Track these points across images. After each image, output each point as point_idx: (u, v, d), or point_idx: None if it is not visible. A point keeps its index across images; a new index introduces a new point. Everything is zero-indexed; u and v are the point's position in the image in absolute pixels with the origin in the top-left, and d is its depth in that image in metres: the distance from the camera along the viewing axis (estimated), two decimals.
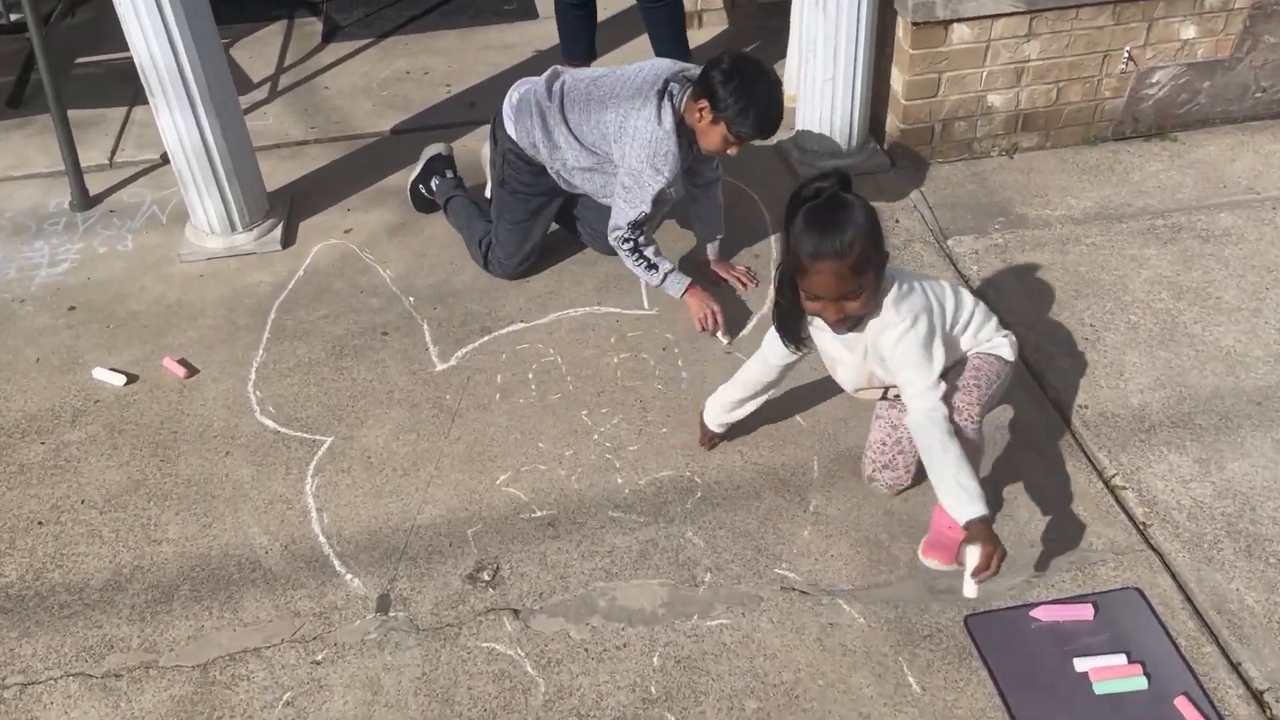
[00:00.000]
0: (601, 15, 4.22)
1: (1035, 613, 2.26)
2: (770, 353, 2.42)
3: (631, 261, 3.00)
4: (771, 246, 3.37)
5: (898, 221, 3.43)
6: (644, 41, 4.18)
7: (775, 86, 2.79)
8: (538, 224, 3.19)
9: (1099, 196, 3.50)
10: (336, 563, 2.43)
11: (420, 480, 2.63)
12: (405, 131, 4.06)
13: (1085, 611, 2.25)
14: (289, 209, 3.61)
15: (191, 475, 2.68)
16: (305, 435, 2.77)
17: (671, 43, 3.83)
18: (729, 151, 2.85)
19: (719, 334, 3.01)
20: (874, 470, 2.48)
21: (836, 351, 2.32)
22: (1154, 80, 3.59)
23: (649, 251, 2.99)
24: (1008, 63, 3.49)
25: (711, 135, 2.81)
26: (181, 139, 3.22)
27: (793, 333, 2.29)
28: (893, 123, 3.64)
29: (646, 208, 2.89)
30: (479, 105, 4.13)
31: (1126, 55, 3.52)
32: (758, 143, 2.89)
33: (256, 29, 4.85)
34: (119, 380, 2.96)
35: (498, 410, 2.82)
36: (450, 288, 3.27)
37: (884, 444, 2.44)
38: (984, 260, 3.23)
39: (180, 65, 3.07)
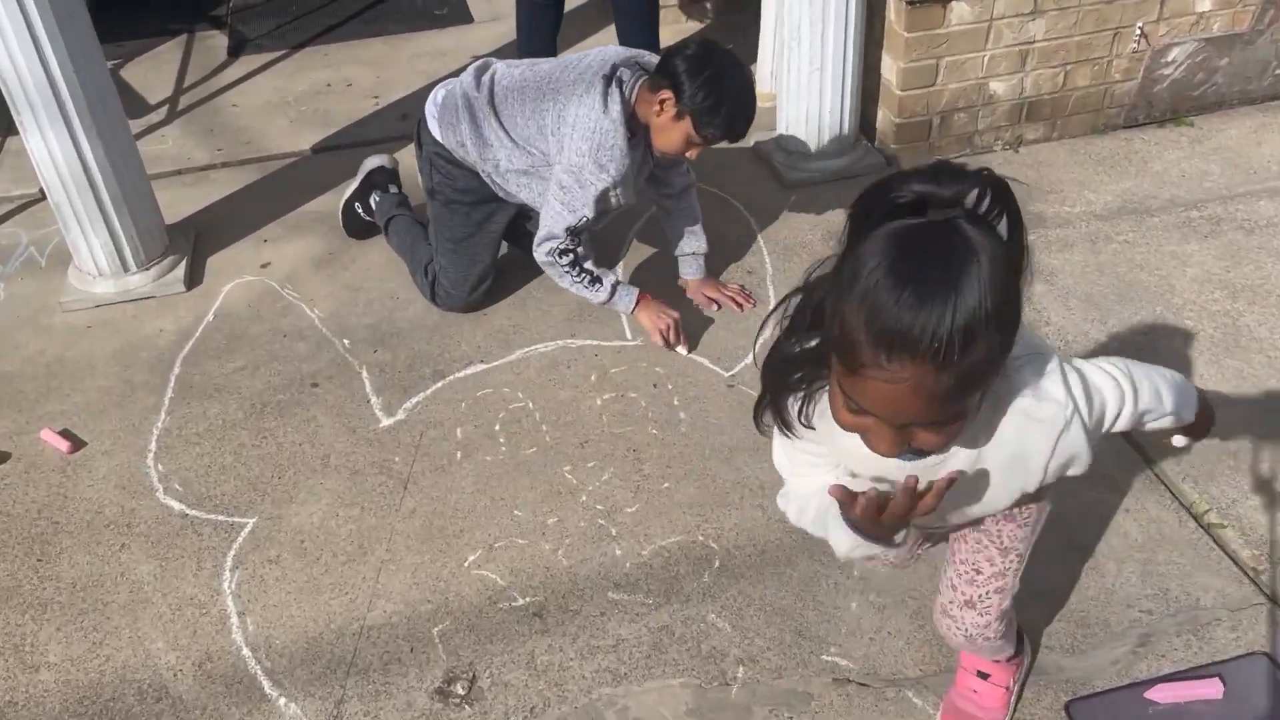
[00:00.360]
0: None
1: (1151, 693, 1.82)
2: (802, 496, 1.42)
3: (571, 278, 2.55)
4: (765, 261, 2.93)
5: None
6: (609, 39, 3.74)
7: (749, 82, 2.40)
8: (484, 240, 2.71)
9: (1119, 189, 3.12)
10: (266, 683, 1.91)
11: (369, 568, 2.12)
12: (328, 150, 3.55)
13: (1211, 688, 1.82)
14: (193, 243, 3.07)
15: (77, 578, 2.13)
16: (221, 518, 2.24)
17: (643, 33, 3.38)
18: (689, 154, 2.43)
19: (679, 347, 2.59)
20: (948, 608, 1.66)
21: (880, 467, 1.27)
22: (1169, 59, 3.24)
23: (590, 264, 2.55)
24: (1011, 44, 3.10)
25: (671, 133, 2.38)
26: (57, 165, 2.68)
27: (785, 418, 1.29)
28: (885, 117, 3.24)
29: (588, 212, 2.44)
30: (413, 117, 3.62)
31: (1138, 32, 3.17)
32: (726, 145, 2.48)
33: (151, 46, 4.29)
34: None
35: (460, 472, 2.32)
36: (392, 326, 2.76)
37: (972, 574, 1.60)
38: None
39: (51, 75, 2.54)
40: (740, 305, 2.74)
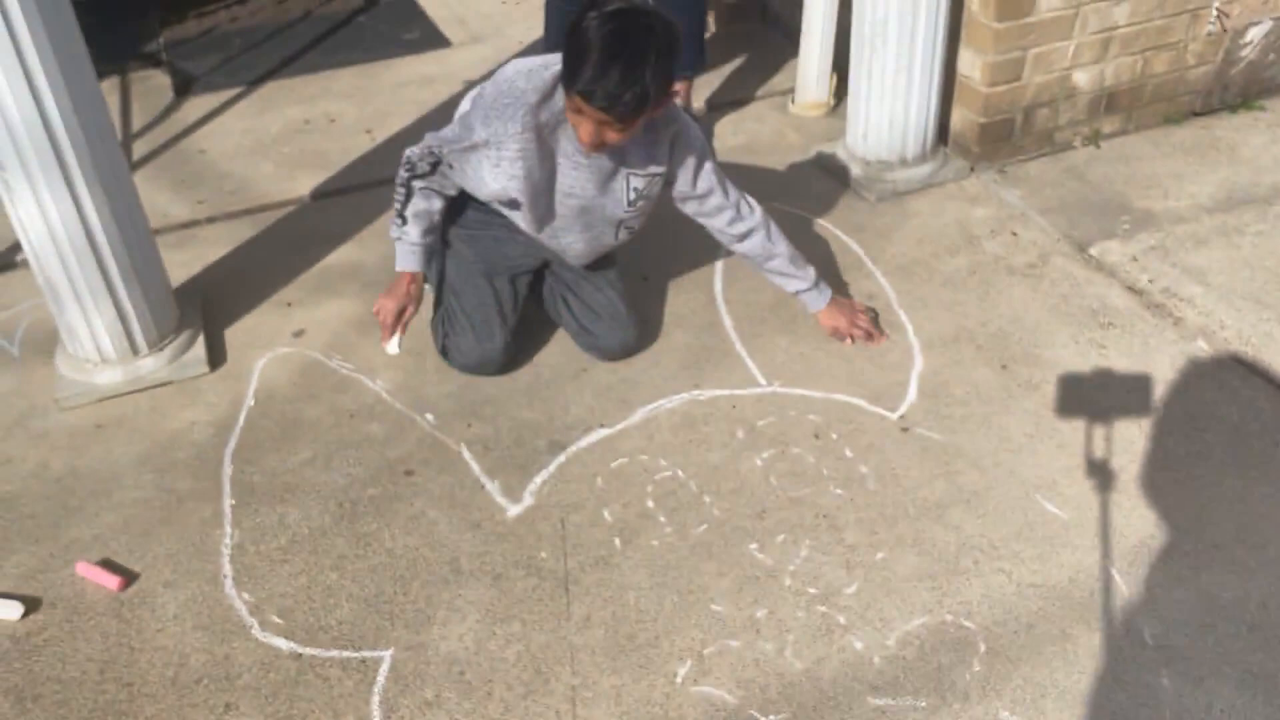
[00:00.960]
0: None
1: None
2: None
3: (396, 184, 2.22)
4: (884, 284, 2.60)
5: (1015, 235, 2.74)
6: None
7: (647, 42, 1.81)
8: (498, 267, 2.32)
9: (1218, 180, 2.93)
10: None
11: (558, 698, 1.70)
12: (330, 194, 3.07)
13: None
14: (203, 314, 2.57)
15: None
16: (348, 654, 1.78)
17: (687, 40, 3.02)
18: (582, 136, 1.94)
19: (386, 343, 2.34)
20: None
21: None
22: (1247, 39, 3.08)
23: (420, 195, 2.19)
24: (1097, 31, 2.89)
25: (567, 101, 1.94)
26: (53, 231, 2.16)
27: None
28: (965, 117, 2.98)
29: (444, 152, 2.11)
30: None
31: (1215, 13, 3.00)
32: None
33: None
34: (13, 611, 1.87)
35: (628, 564, 1.92)
36: (479, 392, 2.33)
37: None
38: (1150, 267, 2.58)
39: (47, 118, 2.04)
40: (871, 338, 2.41)
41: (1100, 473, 2.04)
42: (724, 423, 2.22)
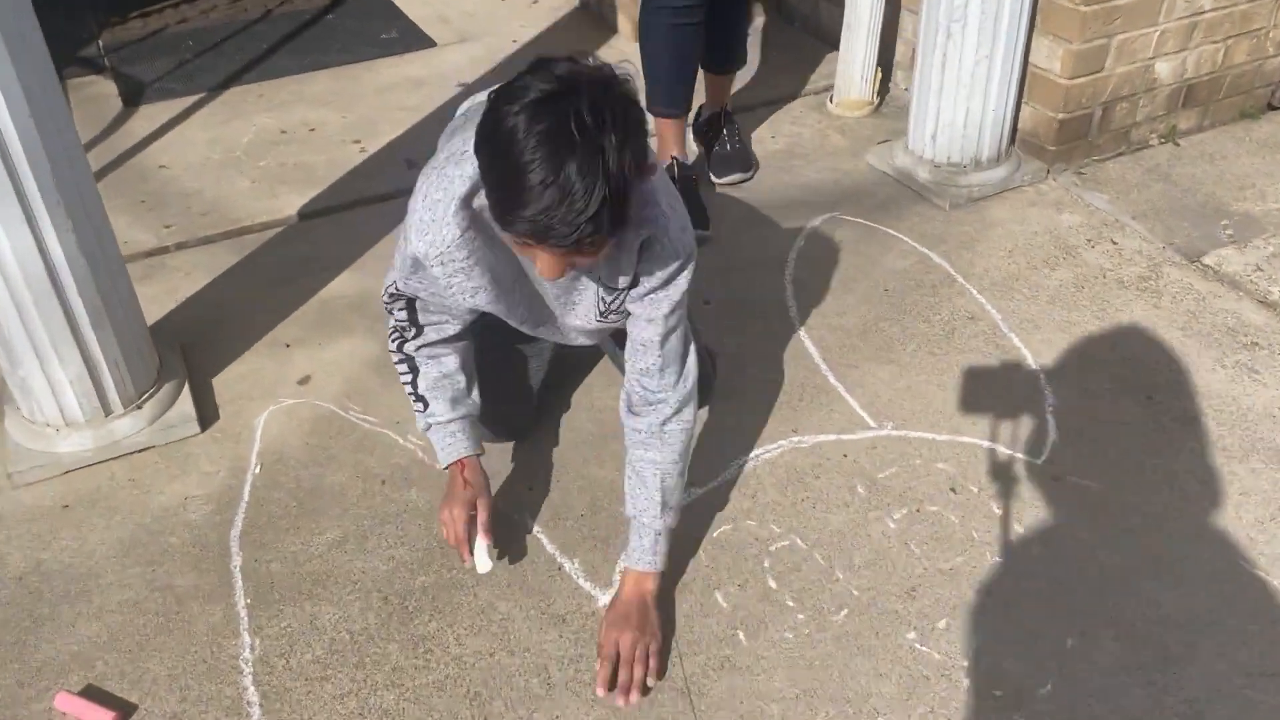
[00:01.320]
0: None
1: None
2: None
3: (394, 359, 1.69)
4: (983, 304, 2.27)
5: (1115, 244, 2.44)
6: None
7: (598, 125, 1.15)
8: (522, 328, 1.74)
9: None
10: None
11: None
12: (320, 214, 2.65)
13: None
14: (185, 361, 2.14)
15: None
16: None
17: (725, 51, 2.64)
18: (542, 271, 1.29)
19: (474, 561, 1.61)
20: None
21: None
22: None
23: (414, 350, 1.65)
24: (1182, 17, 2.61)
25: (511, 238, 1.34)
26: (4, 266, 1.72)
27: None
28: (1039, 114, 2.67)
29: (398, 277, 1.53)
30: (419, 161, 2.78)
31: None
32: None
33: None
34: None
35: (760, 665, 1.55)
36: (536, 447, 1.94)
37: None
38: (1279, 277, 2.29)
39: (2, 137, 1.61)
40: (626, 696, 1.49)
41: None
42: (837, 476, 1.86)
